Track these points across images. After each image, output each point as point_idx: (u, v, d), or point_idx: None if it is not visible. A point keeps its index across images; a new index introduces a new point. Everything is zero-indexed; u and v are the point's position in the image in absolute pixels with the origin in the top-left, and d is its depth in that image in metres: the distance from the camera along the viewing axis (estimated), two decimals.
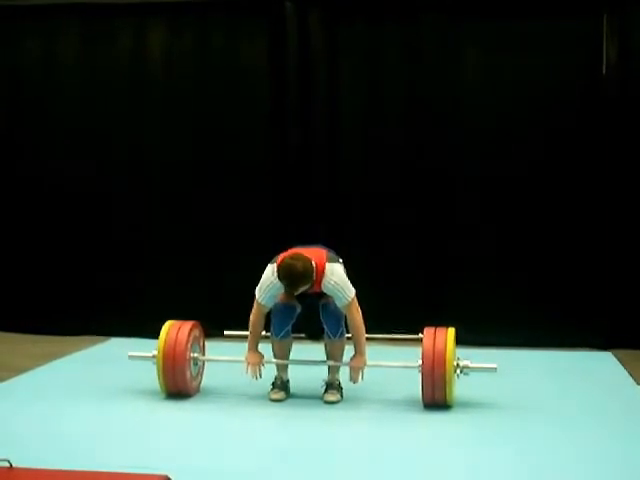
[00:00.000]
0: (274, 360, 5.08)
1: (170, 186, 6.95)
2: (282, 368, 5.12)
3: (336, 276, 4.82)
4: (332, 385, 5.03)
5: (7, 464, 3.56)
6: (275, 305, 4.96)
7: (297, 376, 5.23)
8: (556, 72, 6.44)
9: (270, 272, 4.83)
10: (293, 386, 5.18)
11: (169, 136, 6.91)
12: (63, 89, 7.01)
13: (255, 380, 4.96)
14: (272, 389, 5.06)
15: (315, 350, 5.18)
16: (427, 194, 6.66)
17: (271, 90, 6.77)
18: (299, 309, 5.03)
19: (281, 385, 5.08)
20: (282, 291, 4.86)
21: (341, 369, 5.06)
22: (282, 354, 5.07)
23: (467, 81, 6.57)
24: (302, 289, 4.73)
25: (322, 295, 4.90)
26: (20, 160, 7.11)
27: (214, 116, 6.86)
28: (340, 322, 4.90)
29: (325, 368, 5.06)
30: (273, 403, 4.98)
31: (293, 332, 5.12)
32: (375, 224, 6.74)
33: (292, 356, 5.13)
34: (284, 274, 4.68)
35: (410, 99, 6.65)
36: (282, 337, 5.00)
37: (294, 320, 5.02)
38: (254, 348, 5.02)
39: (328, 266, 4.82)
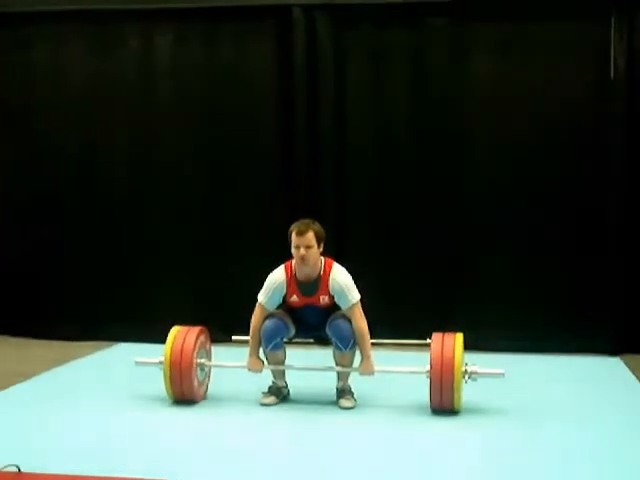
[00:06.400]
0: (276, 366, 5.05)
1: (176, 191, 6.95)
2: (278, 375, 5.11)
3: (344, 275, 4.89)
4: (345, 391, 5.02)
5: (15, 469, 3.57)
6: (268, 316, 4.94)
7: (304, 382, 5.22)
8: (563, 76, 6.42)
9: (275, 271, 4.92)
10: (300, 393, 5.17)
11: (176, 141, 6.91)
12: (70, 95, 7.01)
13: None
14: (264, 394, 5.06)
15: (323, 356, 5.16)
16: (436, 199, 6.65)
17: (279, 94, 6.77)
18: (292, 331, 5.01)
19: (275, 391, 5.07)
20: (285, 292, 4.89)
21: (351, 374, 5.04)
22: (275, 364, 5.04)
23: (474, 84, 6.55)
24: (310, 237, 4.74)
25: (327, 316, 4.91)
26: (26, 164, 7.12)
27: (221, 121, 6.87)
28: (351, 334, 4.85)
29: (333, 375, 5.05)
30: (280, 408, 4.97)
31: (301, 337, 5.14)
32: (383, 229, 6.74)
33: (300, 362, 5.12)
34: (296, 223, 4.84)
35: (417, 103, 6.64)
36: (272, 349, 4.97)
37: (284, 339, 4.99)
38: (255, 354, 5.02)
39: (336, 265, 4.92)
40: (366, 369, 4.91)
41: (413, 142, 6.69)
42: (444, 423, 4.66)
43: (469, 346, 4.96)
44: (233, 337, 5.55)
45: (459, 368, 4.67)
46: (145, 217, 6.99)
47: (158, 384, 4.99)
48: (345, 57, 6.72)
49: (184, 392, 4.97)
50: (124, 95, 6.96)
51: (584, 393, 5.35)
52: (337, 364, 4.99)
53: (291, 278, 4.90)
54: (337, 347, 4.90)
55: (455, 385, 4.66)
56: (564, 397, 5.23)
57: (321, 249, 4.87)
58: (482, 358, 5.06)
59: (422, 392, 4.79)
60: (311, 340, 5.27)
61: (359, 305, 4.88)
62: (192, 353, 4.95)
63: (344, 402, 4.96)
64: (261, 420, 4.78)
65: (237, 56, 6.82)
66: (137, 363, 5.15)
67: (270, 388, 5.09)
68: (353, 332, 4.84)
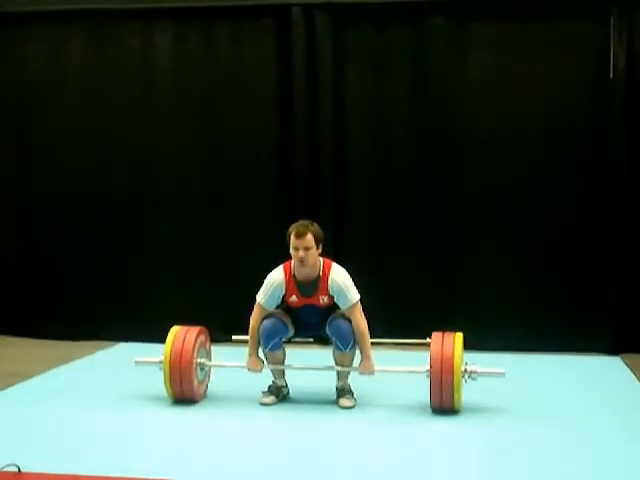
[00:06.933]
0: (276, 365, 5.05)
1: (176, 191, 6.96)
2: (277, 374, 5.11)
3: (343, 275, 4.88)
4: (344, 390, 5.02)
5: (15, 469, 3.57)
6: (266, 316, 4.93)
7: (303, 382, 5.22)
8: (563, 76, 6.43)
9: (274, 272, 4.91)
10: (300, 392, 5.17)
11: (175, 141, 6.91)
12: (69, 94, 7.01)
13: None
14: (264, 393, 5.06)
15: (322, 356, 5.16)
16: (435, 199, 6.65)
17: (278, 94, 6.77)
18: (291, 332, 5.01)
19: (275, 391, 5.07)
20: (284, 292, 4.89)
21: (351, 374, 5.04)
22: (274, 363, 5.04)
23: (473, 84, 6.55)
24: (309, 239, 4.73)
25: (326, 316, 4.90)
26: (26, 164, 7.12)
27: (220, 121, 6.87)
28: (351, 334, 4.84)
29: (332, 374, 5.05)
30: (280, 408, 4.98)
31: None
32: (382, 229, 6.74)
33: (300, 362, 5.12)
34: (294, 224, 4.84)
35: (417, 103, 6.64)
36: (271, 349, 4.96)
37: (283, 339, 4.99)
38: (255, 354, 5.02)
39: (335, 265, 4.92)
40: (366, 369, 4.91)
41: (413, 142, 6.69)
42: (444, 422, 4.65)
43: (469, 345, 4.96)
44: (233, 337, 5.54)
45: (459, 367, 4.67)
46: (145, 217, 6.99)
47: (158, 384, 4.99)
48: (345, 57, 6.71)
49: (184, 392, 4.97)
50: (122, 95, 6.95)
51: (584, 392, 5.34)
52: (337, 364, 4.99)
53: (290, 278, 4.90)
54: (337, 347, 4.89)
55: (455, 384, 4.66)
56: (564, 396, 5.23)
57: (320, 250, 4.87)
58: (482, 357, 5.05)
59: (422, 392, 4.79)
60: (311, 340, 5.26)
61: (359, 305, 4.87)
62: (192, 353, 4.95)
63: (344, 402, 4.96)
64: (261, 420, 4.78)
65: (236, 56, 6.81)
66: (137, 363, 5.15)
67: (270, 388, 5.09)
68: (353, 332, 4.84)
